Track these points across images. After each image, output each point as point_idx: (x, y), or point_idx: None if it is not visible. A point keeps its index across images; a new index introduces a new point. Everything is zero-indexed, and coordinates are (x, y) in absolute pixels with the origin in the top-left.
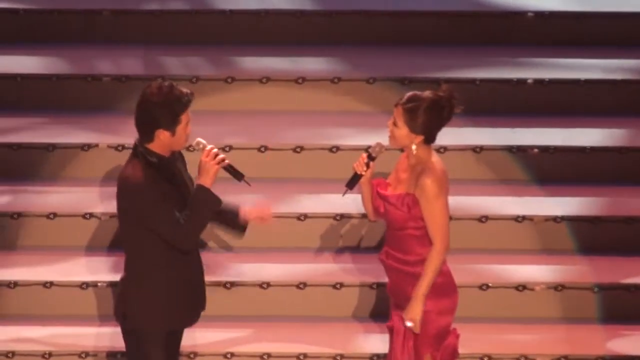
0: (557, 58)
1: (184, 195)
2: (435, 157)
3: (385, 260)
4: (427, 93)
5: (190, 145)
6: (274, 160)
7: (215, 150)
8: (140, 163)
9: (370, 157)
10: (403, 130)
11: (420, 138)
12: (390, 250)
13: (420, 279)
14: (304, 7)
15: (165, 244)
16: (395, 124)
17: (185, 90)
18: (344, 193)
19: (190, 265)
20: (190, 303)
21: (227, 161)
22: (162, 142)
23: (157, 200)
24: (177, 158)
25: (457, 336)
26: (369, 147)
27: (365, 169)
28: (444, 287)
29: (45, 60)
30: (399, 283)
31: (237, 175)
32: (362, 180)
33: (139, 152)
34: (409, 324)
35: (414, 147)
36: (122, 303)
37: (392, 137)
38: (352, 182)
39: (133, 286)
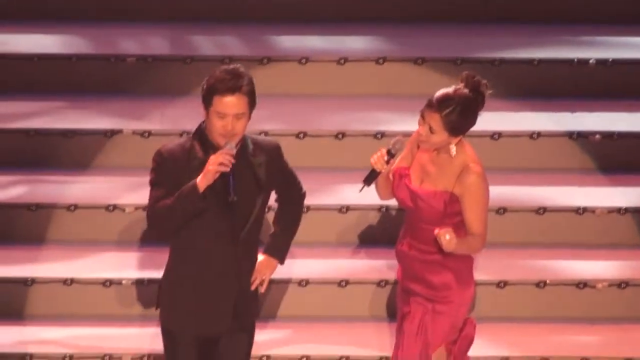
0: (621, 36)
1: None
2: (469, 150)
3: (408, 251)
4: (457, 90)
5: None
6: (313, 148)
7: (229, 156)
8: (190, 139)
9: (390, 154)
10: (442, 136)
11: (459, 138)
12: (413, 242)
13: (464, 242)
14: None
15: (196, 236)
16: (431, 130)
17: (242, 79)
18: (361, 189)
19: (226, 265)
20: (216, 307)
21: (226, 169)
22: (207, 122)
23: (160, 171)
24: (255, 158)
25: (474, 326)
26: (396, 140)
27: (384, 165)
28: (467, 276)
29: (64, 39)
30: (421, 271)
31: (228, 190)
32: (380, 174)
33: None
34: (447, 236)
35: (453, 148)
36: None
37: (426, 142)
38: (370, 179)
39: (163, 279)
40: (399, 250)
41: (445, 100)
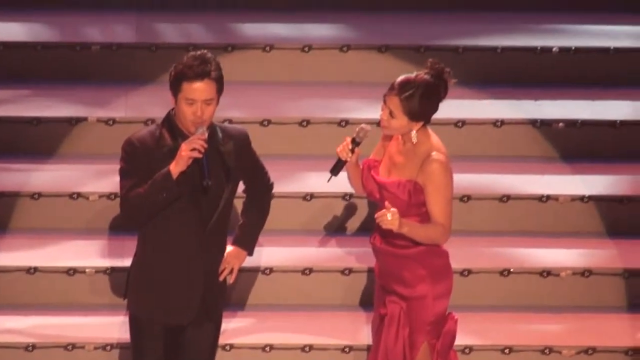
0: (585, 25)
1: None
2: (434, 138)
3: (378, 245)
4: (419, 75)
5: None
6: (277, 135)
7: (201, 141)
8: (159, 127)
9: (355, 143)
10: (402, 121)
11: (420, 124)
12: (383, 234)
13: (418, 225)
14: None
15: (165, 225)
16: (391, 114)
17: (210, 64)
18: (329, 179)
19: (194, 254)
20: (183, 296)
21: (199, 155)
22: (176, 109)
23: (130, 160)
24: (224, 146)
25: (455, 321)
26: (360, 128)
27: (350, 154)
28: (442, 270)
29: (29, 27)
30: (393, 266)
31: (203, 175)
32: (348, 164)
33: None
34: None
35: (414, 134)
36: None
37: (387, 127)
38: (337, 169)
39: (131, 267)
40: (372, 245)
41: (405, 84)
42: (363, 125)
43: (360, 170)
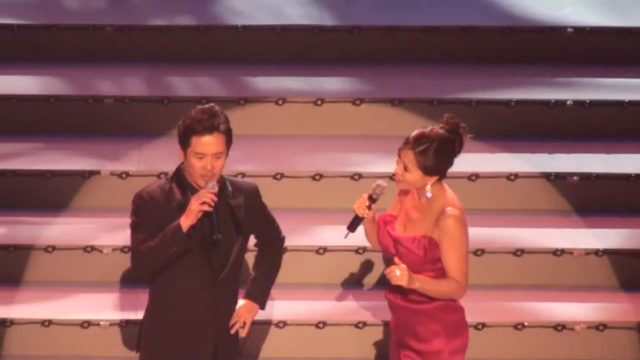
0: (599, 78)
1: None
2: (450, 193)
3: (393, 299)
4: (434, 130)
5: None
6: (290, 189)
7: (211, 194)
8: (169, 181)
9: (372, 199)
10: (416, 175)
11: (435, 179)
12: (398, 289)
13: (431, 281)
14: (324, 23)
15: (175, 278)
16: (406, 169)
17: (219, 117)
18: (346, 235)
19: (205, 307)
20: (195, 350)
21: (209, 209)
22: (185, 163)
23: (141, 214)
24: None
25: None
26: (376, 185)
27: (366, 211)
28: (458, 326)
29: (43, 80)
30: (408, 321)
31: (212, 228)
32: (365, 220)
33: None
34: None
35: (428, 188)
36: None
37: (401, 181)
38: (354, 225)
39: (143, 321)
40: (387, 299)
41: (420, 138)
42: (380, 182)
43: (377, 226)
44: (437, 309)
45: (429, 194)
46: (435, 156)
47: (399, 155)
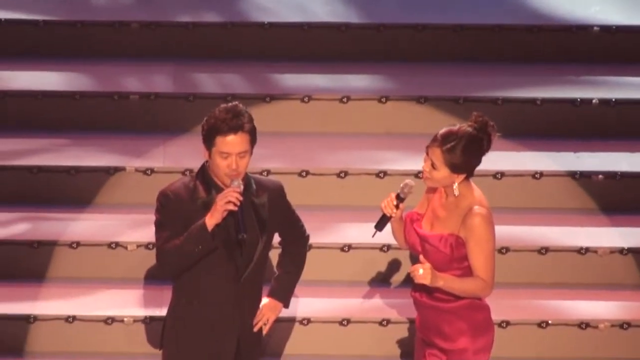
0: (625, 76)
1: (229, 233)
2: (477, 192)
3: (419, 298)
4: (462, 128)
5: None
6: (315, 186)
7: (237, 193)
8: (193, 179)
9: (399, 198)
10: (444, 172)
11: (463, 176)
12: (424, 287)
13: (456, 280)
14: (350, 20)
15: (199, 276)
16: (433, 166)
17: (243, 117)
18: (374, 235)
19: (228, 305)
20: (220, 348)
21: (234, 208)
22: (210, 162)
23: (165, 212)
24: (258, 198)
25: None
26: (404, 184)
27: (394, 210)
28: (483, 325)
29: (68, 77)
30: (433, 320)
31: (237, 228)
32: (392, 219)
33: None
34: (421, 270)
35: (456, 186)
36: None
37: (429, 179)
38: (381, 224)
39: (166, 318)
40: (413, 297)
41: (448, 136)
42: (407, 181)
43: (403, 224)
44: (463, 307)
45: (456, 192)
46: (463, 154)
47: (427, 153)
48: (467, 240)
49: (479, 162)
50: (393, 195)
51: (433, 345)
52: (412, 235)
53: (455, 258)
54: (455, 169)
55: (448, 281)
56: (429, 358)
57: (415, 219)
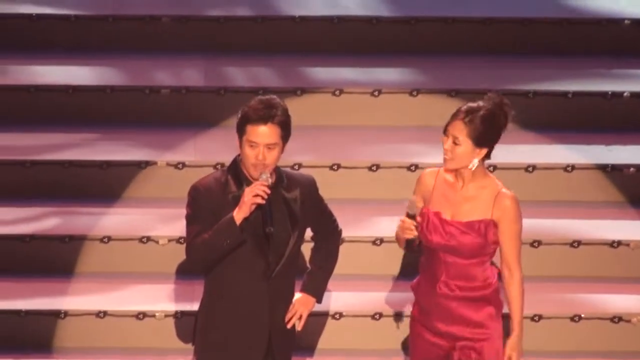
0: None
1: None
2: (497, 180)
3: (450, 292)
4: (480, 104)
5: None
6: (347, 180)
7: (264, 187)
8: (225, 173)
9: (411, 217)
10: (467, 146)
11: (485, 151)
12: (450, 281)
13: (515, 311)
14: (381, 14)
15: (230, 271)
16: (455, 142)
17: (276, 109)
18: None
19: (259, 300)
20: (250, 342)
21: (261, 202)
22: (241, 153)
23: (196, 206)
24: (290, 192)
25: None
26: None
27: (415, 232)
28: (502, 307)
29: (99, 71)
30: (459, 310)
31: (265, 221)
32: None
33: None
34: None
35: (475, 161)
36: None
37: (451, 159)
38: (412, 249)
39: (198, 314)
40: (438, 294)
41: (468, 108)
42: (412, 198)
43: (420, 227)
44: (494, 292)
45: (473, 167)
46: (484, 123)
47: (446, 133)
48: (500, 221)
49: (498, 136)
50: (406, 219)
51: (461, 338)
52: (438, 233)
53: (489, 242)
54: (477, 141)
55: (519, 323)
56: (461, 351)
57: (434, 213)
